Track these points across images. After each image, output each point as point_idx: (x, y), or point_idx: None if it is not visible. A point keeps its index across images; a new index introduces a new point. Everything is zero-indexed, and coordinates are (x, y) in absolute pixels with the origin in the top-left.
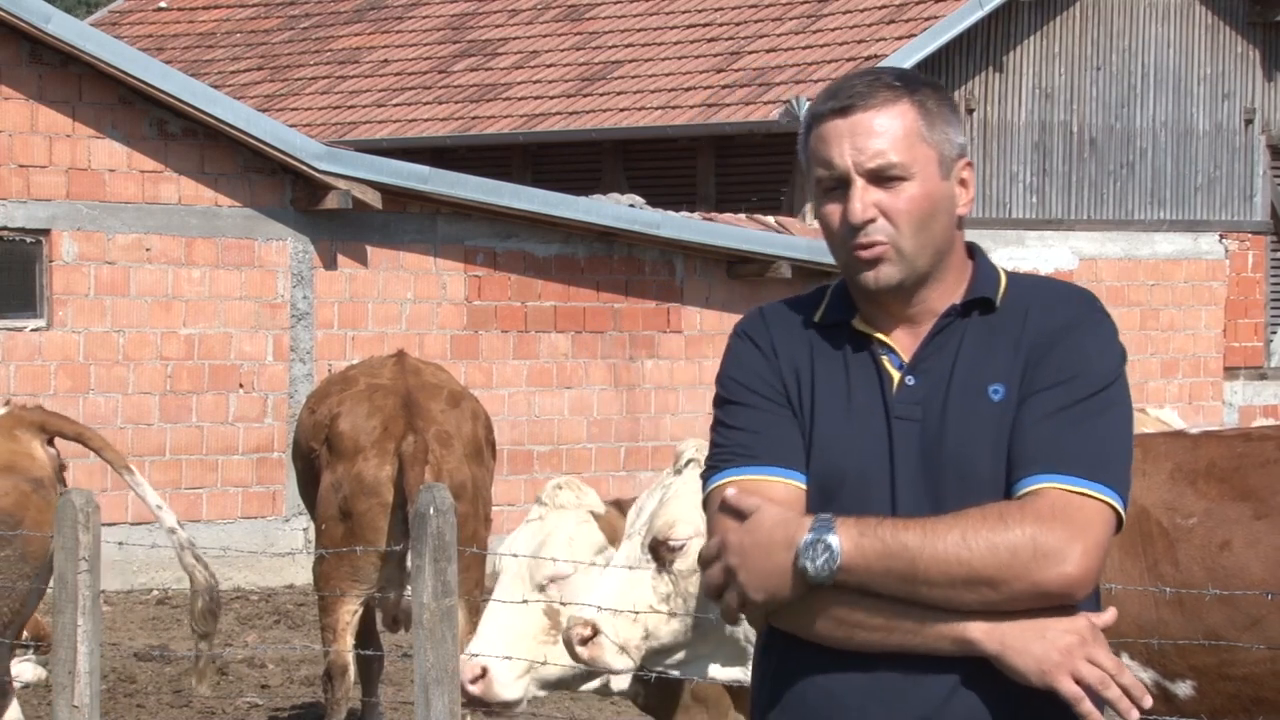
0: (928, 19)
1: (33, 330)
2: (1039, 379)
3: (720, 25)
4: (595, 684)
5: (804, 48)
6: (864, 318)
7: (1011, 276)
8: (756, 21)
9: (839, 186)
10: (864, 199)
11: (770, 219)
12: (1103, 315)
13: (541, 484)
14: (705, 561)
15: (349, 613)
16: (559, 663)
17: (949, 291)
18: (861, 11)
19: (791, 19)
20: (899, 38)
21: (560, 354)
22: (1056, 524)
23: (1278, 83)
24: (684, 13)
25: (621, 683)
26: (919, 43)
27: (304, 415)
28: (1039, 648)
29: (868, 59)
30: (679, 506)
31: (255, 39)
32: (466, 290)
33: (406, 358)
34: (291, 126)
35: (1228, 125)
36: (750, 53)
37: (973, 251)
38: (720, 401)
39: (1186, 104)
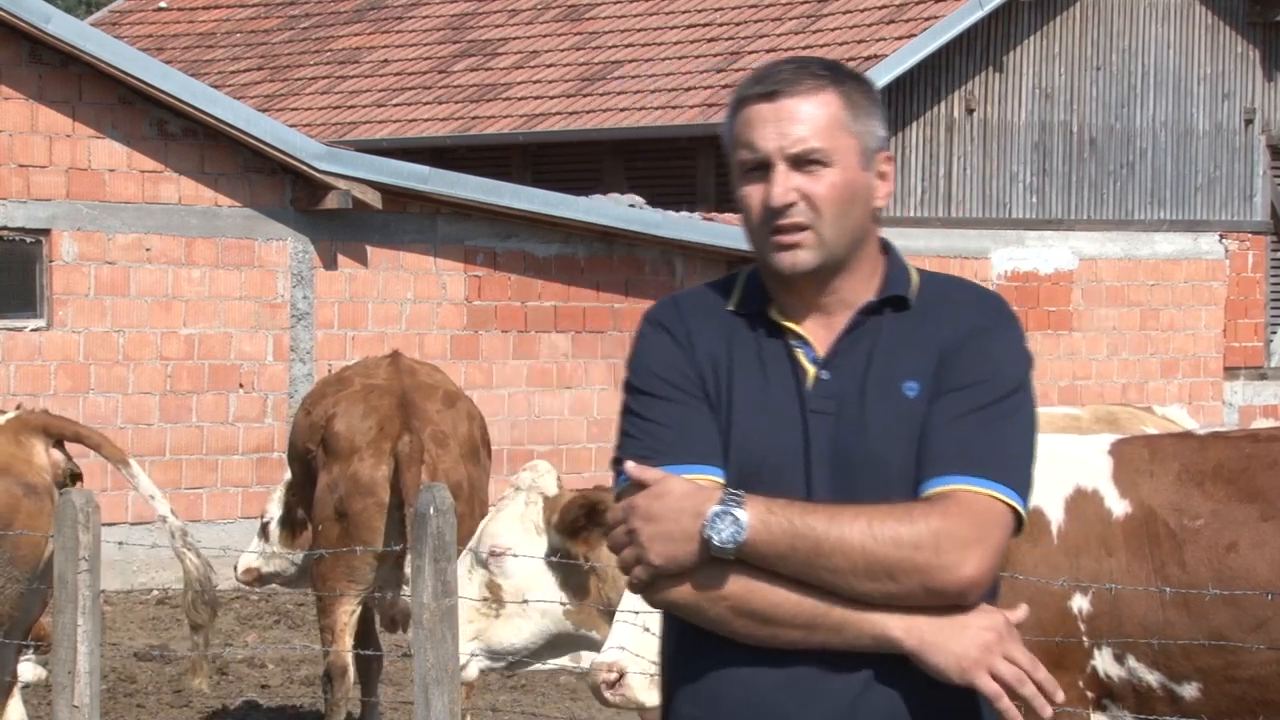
0: (928, 19)
1: (33, 330)
2: (948, 380)
3: (720, 25)
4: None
5: (804, 48)
6: (778, 307)
7: (924, 275)
8: (756, 21)
9: (760, 169)
10: (785, 183)
11: None
12: (1012, 320)
13: None
14: (612, 526)
15: (347, 613)
16: (498, 636)
17: (862, 284)
18: (861, 11)
19: (791, 19)
20: (899, 38)
21: (560, 354)
22: (961, 524)
23: (1278, 83)
24: (684, 13)
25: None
26: (919, 43)
27: (299, 417)
28: (958, 645)
29: (868, 59)
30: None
31: (255, 39)
32: (466, 290)
33: (401, 358)
34: (291, 126)
35: (1228, 125)
36: (750, 53)
37: (886, 247)
38: (632, 390)
39: (1186, 104)
